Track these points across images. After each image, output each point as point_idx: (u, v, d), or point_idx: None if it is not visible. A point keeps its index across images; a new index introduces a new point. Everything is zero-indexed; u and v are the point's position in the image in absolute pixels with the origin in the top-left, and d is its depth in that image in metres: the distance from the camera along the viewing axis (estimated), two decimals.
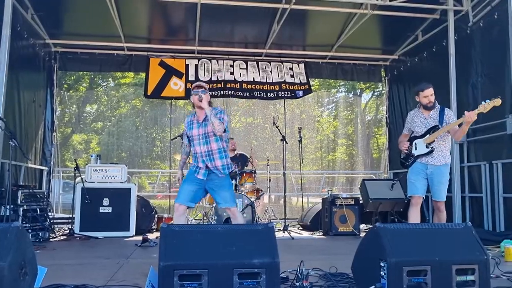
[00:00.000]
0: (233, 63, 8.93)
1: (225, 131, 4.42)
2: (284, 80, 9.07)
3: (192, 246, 2.76)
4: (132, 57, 8.77)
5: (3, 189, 5.69)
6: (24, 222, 5.67)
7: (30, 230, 5.71)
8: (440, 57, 7.21)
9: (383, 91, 10.43)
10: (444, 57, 7.00)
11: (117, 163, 7.25)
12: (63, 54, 8.55)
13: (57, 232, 6.66)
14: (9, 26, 5.86)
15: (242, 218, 4.69)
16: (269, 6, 7.33)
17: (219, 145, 4.39)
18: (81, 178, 6.55)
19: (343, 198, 7.01)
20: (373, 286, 2.79)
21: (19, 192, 5.87)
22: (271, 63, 9.12)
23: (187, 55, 8.86)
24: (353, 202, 7.04)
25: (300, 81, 9.14)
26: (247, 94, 8.86)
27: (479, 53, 6.50)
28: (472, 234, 2.98)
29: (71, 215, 6.75)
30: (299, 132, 7.73)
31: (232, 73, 8.86)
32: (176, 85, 8.69)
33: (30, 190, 6.21)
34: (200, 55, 8.87)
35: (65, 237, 6.37)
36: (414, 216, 4.83)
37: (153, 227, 7.28)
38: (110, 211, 6.57)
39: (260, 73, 8.99)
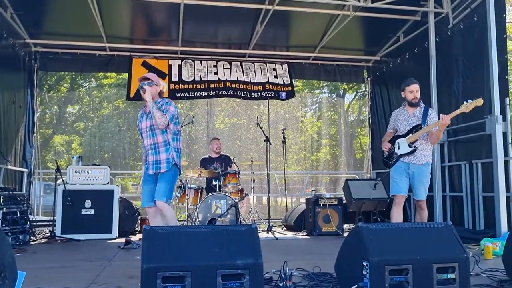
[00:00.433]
0: (217, 63, 8.90)
1: (175, 123, 4.43)
2: (268, 80, 9.08)
3: (175, 247, 2.75)
4: (115, 58, 8.68)
5: None
6: (3, 225, 5.56)
7: (10, 233, 5.60)
8: (422, 59, 7.30)
9: (365, 92, 10.52)
10: (426, 58, 7.11)
11: (99, 165, 7.17)
12: (43, 54, 8.41)
13: (37, 235, 6.55)
14: None
15: (171, 216, 4.40)
16: (253, 7, 7.33)
17: (165, 137, 4.38)
18: (63, 180, 6.46)
19: (326, 198, 7.04)
20: (356, 286, 2.82)
21: None
22: (255, 63, 9.12)
23: (170, 56, 8.81)
24: (336, 202, 7.07)
25: (284, 82, 9.16)
26: (231, 92, 8.84)
27: (459, 55, 6.59)
28: (452, 233, 3.02)
29: (52, 218, 6.64)
30: (283, 132, 7.75)
31: (215, 73, 8.83)
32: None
33: (10, 192, 6.08)
34: (183, 56, 8.82)
35: (46, 240, 6.26)
36: (397, 215, 4.89)
37: (136, 229, 7.22)
38: (92, 213, 6.49)
39: (244, 73, 8.99)
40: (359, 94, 15.80)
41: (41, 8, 7.29)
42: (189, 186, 6.79)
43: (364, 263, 2.81)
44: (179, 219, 7.52)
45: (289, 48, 9.15)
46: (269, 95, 9.04)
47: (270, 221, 7.10)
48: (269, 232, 6.66)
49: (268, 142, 7.25)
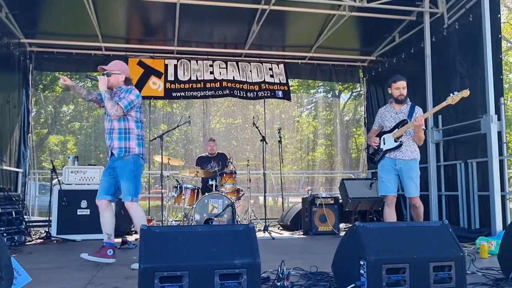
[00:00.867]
0: (213, 63, 8.90)
1: (137, 111, 4.33)
2: (264, 80, 9.08)
3: (172, 247, 2.74)
4: (110, 57, 8.61)
5: None
6: None
7: (5, 234, 5.58)
8: (418, 59, 7.32)
9: (361, 92, 10.56)
10: (422, 58, 7.14)
11: (95, 165, 7.15)
12: (38, 53, 8.38)
13: (33, 235, 6.52)
14: None
15: (138, 217, 4.31)
16: (249, 7, 7.33)
17: (121, 125, 4.28)
18: (58, 180, 6.44)
19: (322, 197, 7.06)
20: (353, 285, 2.83)
21: None
22: (251, 63, 9.13)
23: (166, 55, 8.80)
24: (332, 202, 7.09)
25: (280, 81, 9.18)
26: (227, 92, 8.83)
27: (455, 54, 6.62)
28: (449, 231, 3.04)
29: (47, 218, 6.62)
30: (279, 132, 7.76)
31: (212, 73, 8.83)
32: (155, 85, 8.61)
33: (5, 192, 6.06)
34: (179, 55, 8.81)
35: (41, 240, 6.24)
36: (390, 215, 4.88)
37: (132, 229, 7.19)
38: (88, 213, 6.46)
39: (240, 72, 8.99)
40: (354, 94, 15.85)
41: (36, 8, 7.26)
42: (186, 186, 6.79)
43: (361, 262, 2.82)
44: (176, 219, 7.53)
45: (285, 48, 9.16)
46: (265, 95, 9.05)
47: (267, 220, 7.10)
48: (266, 232, 6.67)
49: (264, 142, 7.26)
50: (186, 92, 8.64)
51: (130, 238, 6.08)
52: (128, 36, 8.47)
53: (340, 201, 7.34)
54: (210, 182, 6.72)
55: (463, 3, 6.46)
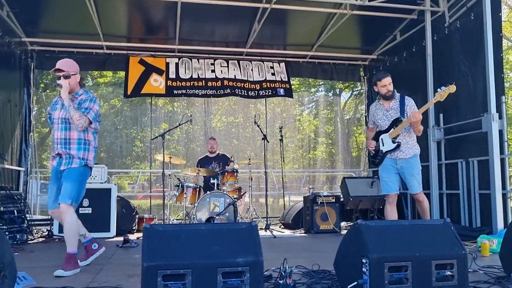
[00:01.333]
0: (214, 61, 8.92)
1: (98, 121, 4.10)
2: (265, 78, 9.09)
3: (175, 246, 2.75)
4: (112, 56, 8.66)
5: None
6: (0, 224, 5.55)
7: (7, 233, 5.59)
8: (421, 57, 7.31)
9: (362, 91, 10.55)
10: (424, 57, 7.14)
11: (96, 163, 7.14)
12: (40, 52, 8.37)
13: (35, 234, 6.54)
14: None
15: (69, 223, 3.99)
16: (250, 6, 7.33)
17: (82, 135, 3.97)
18: None
19: (324, 196, 7.07)
20: (355, 283, 2.84)
21: None
22: (252, 62, 9.13)
23: (168, 54, 8.80)
24: (334, 200, 7.10)
25: (281, 79, 9.19)
26: (229, 91, 8.84)
27: (457, 53, 6.61)
28: (451, 230, 3.05)
29: (49, 217, 6.62)
30: (280, 131, 7.77)
31: (213, 71, 8.83)
32: (156, 82, 8.61)
33: (7, 191, 6.08)
34: (180, 54, 8.81)
35: (43, 239, 6.27)
36: (391, 214, 4.88)
37: (134, 227, 7.22)
38: (90, 211, 6.47)
39: (241, 71, 9.00)
40: (355, 92, 15.84)
41: (37, 6, 7.25)
42: (187, 185, 6.80)
43: (364, 260, 2.83)
44: (177, 218, 7.53)
45: (286, 47, 9.16)
46: (267, 93, 9.06)
47: (268, 219, 7.11)
48: (267, 230, 6.69)
49: (265, 141, 7.26)
50: (188, 90, 8.65)
51: (132, 237, 6.09)
52: (130, 35, 8.48)
53: (342, 199, 7.36)
54: (212, 181, 6.72)
55: (464, 2, 6.46)
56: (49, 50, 8.38)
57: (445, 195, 6.84)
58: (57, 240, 6.17)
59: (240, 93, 8.93)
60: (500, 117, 5.68)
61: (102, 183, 6.72)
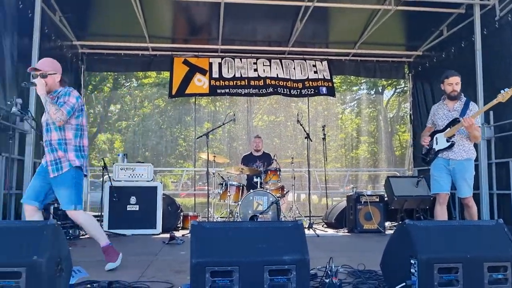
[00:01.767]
0: (257, 61, 9.00)
1: (78, 116, 3.88)
2: (307, 77, 9.07)
3: (222, 243, 2.80)
4: (157, 57, 8.90)
5: None
6: (55, 220, 5.81)
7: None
8: (470, 53, 7.06)
9: (406, 88, 10.32)
10: (473, 52, 6.89)
11: (143, 162, 7.37)
12: (89, 55, 8.71)
13: None
14: (39, 30, 6.04)
15: (88, 225, 4.02)
16: (292, 4, 7.33)
17: (61, 135, 3.83)
18: (109, 177, 6.68)
19: (367, 195, 6.99)
20: (404, 284, 2.79)
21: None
22: (294, 60, 9.14)
23: (211, 54, 8.95)
24: (378, 200, 7.00)
25: (324, 77, 9.14)
26: (271, 90, 8.89)
27: (508, 48, 6.35)
28: (504, 231, 2.95)
29: (99, 213, 6.88)
30: (323, 129, 7.72)
31: (255, 70, 8.92)
32: (200, 82, 8.78)
33: None
34: (223, 54, 8.94)
35: None
36: (441, 214, 4.76)
37: (179, 225, 7.37)
38: (137, 209, 6.68)
39: (284, 70, 9.03)
40: (398, 90, 15.51)
41: (87, 11, 7.54)
42: (231, 183, 6.88)
43: (412, 261, 2.79)
44: (221, 216, 7.64)
45: (329, 45, 9.11)
46: (309, 92, 9.05)
47: (311, 218, 7.09)
48: (310, 229, 6.67)
49: (308, 139, 7.24)
50: (231, 89, 8.78)
51: (177, 234, 6.22)
52: (174, 36, 8.68)
53: (386, 199, 7.23)
54: (255, 180, 6.77)
55: None
56: (98, 52, 8.71)
57: (496, 196, 6.59)
58: (106, 235, 6.37)
59: (282, 92, 8.95)
60: None
61: (149, 181, 6.90)
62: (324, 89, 9.10)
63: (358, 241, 6.22)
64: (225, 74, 8.82)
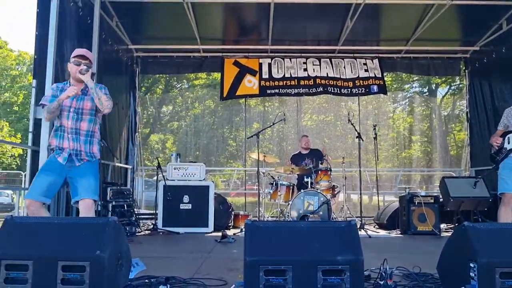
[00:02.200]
0: (306, 60, 9.00)
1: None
2: (358, 76, 8.96)
3: (276, 242, 2.83)
4: (207, 58, 9.10)
5: None
6: (115, 216, 6.06)
7: None
8: None
9: (461, 85, 9.95)
10: None
11: (195, 162, 7.54)
12: (144, 58, 9.05)
13: (141, 227, 7.06)
14: (97, 35, 6.33)
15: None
16: (342, 2, 7.26)
17: (91, 127, 3.78)
18: (163, 176, 6.88)
19: (421, 196, 6.80)
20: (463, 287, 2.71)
21: (108, 189, 6.27)
22: (345, 59, 9.05)
23: (261, 54, 9.02)
24: (432, 201, 6.80)
25: (375, 75, 9.00)
26: (321, 89, 8.86)
27: None
28: None
29: (154, 211, 7.10)
30: (374, 129, 7.59)
31: (305, 70, 8.92)
32: (250, 83, 8.89)
33: (118, 187, 6.63)
34: (273, 54, 8.99)
35: (149, 232, 6.74)
36: (505, 215, 4.59)
37: (230, 224, 7.47)
38: (190, 207, 6.84)
39: (334, 69, 8.97)
40: (453, 87, 14.98)
41: (142, 16, 7.81)
42: (281, 183, 6.90)
43: (471, 265, 2.69)
44: (271, 215, 7.68)
45: (380, 43, 8.96)
46: (360, 91, 8.94)
47: (362, 218, 6.99)
48: (362, 230, 6.57)
49: (360, 139, 7.14)
50: (280, 90, 8.83)
51: (229, 233, 6.31)
52: (224, 38, 8.83)
53: (441, 200, 7.00)
54: (306, 179, 6.75)
55: None
56: (152, 55, 9.03)
57: None
58: (161, 233, 6.60)
59: (332, 91, 8.90)
60: None
61: (201, 180, 7.05)
62: (375, 88, 8.95)
63: (412, 243, 6.08)
64: (275, 74, 8.87)
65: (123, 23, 7.78)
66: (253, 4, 7.31)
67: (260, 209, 7.03)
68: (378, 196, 8.43)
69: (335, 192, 6.96)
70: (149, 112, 13.84)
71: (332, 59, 9.02)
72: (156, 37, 8.61)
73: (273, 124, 7.48)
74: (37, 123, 5.11)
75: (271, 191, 6.95)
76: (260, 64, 8.96)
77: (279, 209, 6.85)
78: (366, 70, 9.00)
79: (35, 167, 4.80)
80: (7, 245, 2.74)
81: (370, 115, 12.01)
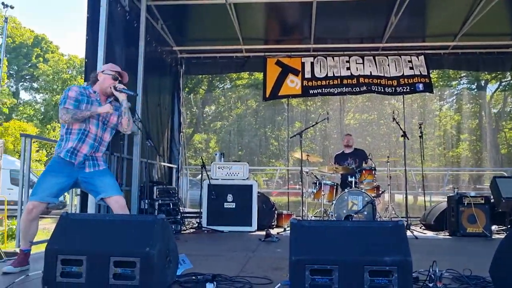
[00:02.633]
0: (349, 58, 8.88)
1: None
2: (403, 74, 8.76)
3: (322, 241, 2.81)
4: (250, 58, 9.16)
5: (142, 185, 6.31)
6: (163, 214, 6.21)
7: None
8: None
9: None
10: None
11: (239, 161, 7.61)
12: (188, 59, 9.23)
13: (186, 225, 7.19)
14: (144, 38, 6.50)
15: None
16: None
17: (109, 137, 3.92)
18: (208, 175, 6.99)
19: (471, 196, 6.57)
20: None
21: (155, 188, 6.43)
22: (389, 57, 8.87)
23: (303, 54, 8.99)
24: (483, 201, 6.55)
25: (420, 72, 8.77)
26: (364, 88, 8.73)
27: None
28: None
29: (198, 210, 7.22)
30: (420, 127, 7.41)
31: (348, 68, 8.81)
32: (292, 83, 8.88)
33: (164, 186, 6.78)
34: (315, 53, 8.94)
35: (194, 230, 6.86)
36: None
37: (273, 223, 7.50)
38: (234, 206, 6.91)
39: (377, 67, 8.81)
40: (504, 83, 14.37)
41: (186, 17, 7.99)
42: (325, 182, 6.86)
43: None
44: (315, 215, 7.65)
45: (426, 39, 8.75)
46: (405, 90, 8.74)
47: (408, 219, 6.83)
48: (408, 231, 6.43)
49: (405, 138, 6.99)
50: (323, 89, 8.76)
51: (272, 232, 6.33)
52: (266, 37, 8.88)
53: (492, 201, 6.75)
54: (350, 179, 6.68)
55: None
56: (195, 56, 9.20)
57: None
58: (205, 231, 6.70)
59: (376, 90, 8.75)
60: None
61: (244, 179, 7.10)
62: (420, 86, 8.73)
63: (461, 245, 5.89)
64: (317, 73, 8.82)
65: (168, 25, 7.96)
66: (295, 3, 7.31)
67: (304, 208, 7.01)
68: (424, 196, 8.22)
69: (380, 192, 6.84)
70: (192, 112, 14.10)
71: (376, 57, 8.87)
72: (200, 38, 8.76)
73: (316, 123, 7.44)
74: None
75: (315, 191, 6.93)
76: (303, 64, 8.93)
77: (322, 209, 6.81)
78: (411, 68, 8.79)
79: None
80: (63, 241, 2.87)
81: (415, 114, 11.72)
